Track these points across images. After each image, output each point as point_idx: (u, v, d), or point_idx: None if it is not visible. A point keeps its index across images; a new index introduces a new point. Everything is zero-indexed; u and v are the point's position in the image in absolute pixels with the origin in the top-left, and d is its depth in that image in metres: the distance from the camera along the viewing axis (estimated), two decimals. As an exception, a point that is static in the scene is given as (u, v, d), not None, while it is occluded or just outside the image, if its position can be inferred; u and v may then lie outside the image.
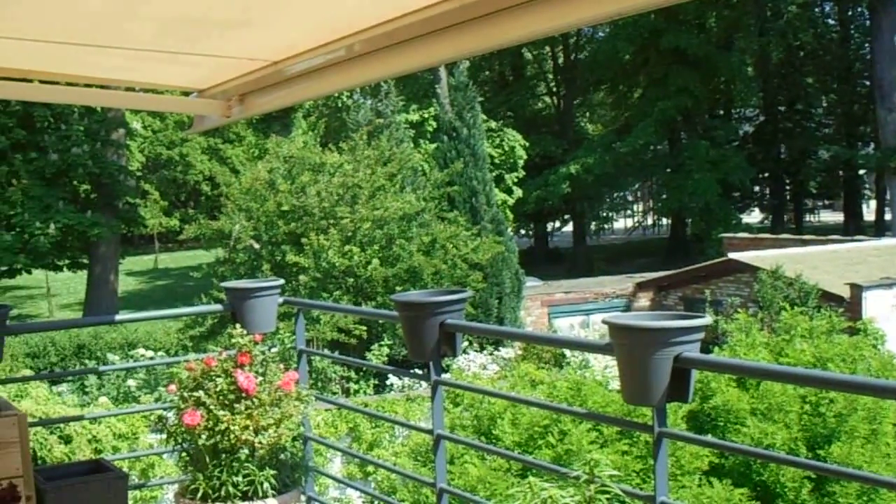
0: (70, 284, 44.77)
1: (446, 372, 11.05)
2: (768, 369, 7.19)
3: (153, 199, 51.58)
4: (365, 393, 20.18)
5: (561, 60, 54.85)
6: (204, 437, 5.96)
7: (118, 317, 7.26)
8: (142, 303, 40.11)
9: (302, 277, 21.08)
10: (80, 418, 12.89)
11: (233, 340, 6.20)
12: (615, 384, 13.65)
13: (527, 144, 43.03)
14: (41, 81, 5.18)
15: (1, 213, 32.26)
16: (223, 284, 7.27)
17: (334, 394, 19.22)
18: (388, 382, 20.21)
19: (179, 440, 6.21)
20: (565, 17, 3.15)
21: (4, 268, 33.38)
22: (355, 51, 3.97)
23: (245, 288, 6.98)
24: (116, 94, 5.65)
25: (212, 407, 5.95)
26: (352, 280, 21.58)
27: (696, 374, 4.45)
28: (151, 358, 20.88)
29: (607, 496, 4.55)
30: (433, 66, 27.95)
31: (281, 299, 7.08)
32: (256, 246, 22.07)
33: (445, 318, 5.62)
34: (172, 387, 6.21)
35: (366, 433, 16.77)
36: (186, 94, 5.57)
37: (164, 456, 13.93)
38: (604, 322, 4.59)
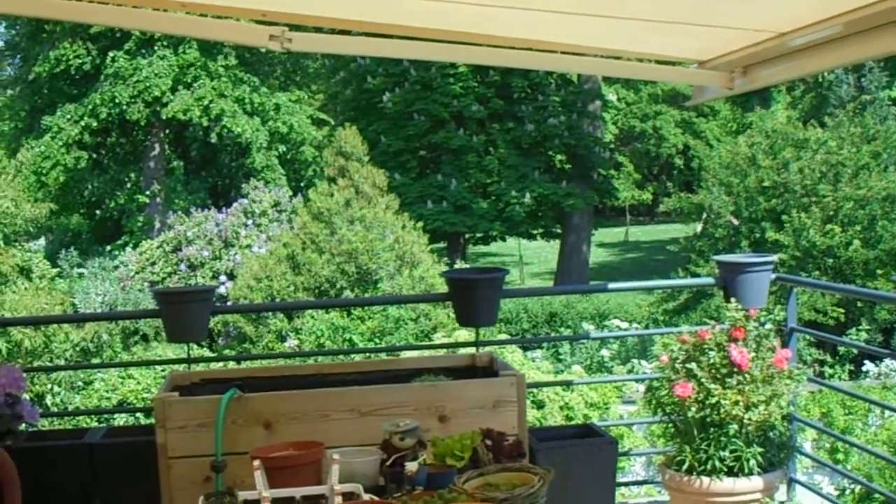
0: (540, 253, 45.79)
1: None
2: None
3: (627, 171, 51.95)
4: (840, 378, 19.59)
5: None
6: (693, 409, 5.97)
7: (611, 285, 7.39)
8: (611, 274, 40.34)
9: (781, 255, 20.66)
10: (567, 383, 13.25)
11: (727, 314, 6.17)
12: None
13: None
14: (530, 49, 5.25)
15: (478, 182, 33.41)
16: (716, 258, 7.23)
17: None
18: (863, 369, 19.53)
19: (667, 411, 6.25)
20: None
21: (479, 234, 34.64)
22: (857, 26, 3.84)
23: (739, 262, 6.91)
24: (618, 63, 5.67)
25: (703, 380, 5.95)
26: (831, 261, 20.98)
27: None
28: (626, 329, 21.03)
29: None
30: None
31: (773, 276, 6.96)
32: (735, 221, 21.83)
33: (953, 302, 5.38)
34: (665, 357, 6.24)
35: (838, 419, 16.30)
36: (666, 63, 5.55)
37: (634, 427, 14.01)
38: None
